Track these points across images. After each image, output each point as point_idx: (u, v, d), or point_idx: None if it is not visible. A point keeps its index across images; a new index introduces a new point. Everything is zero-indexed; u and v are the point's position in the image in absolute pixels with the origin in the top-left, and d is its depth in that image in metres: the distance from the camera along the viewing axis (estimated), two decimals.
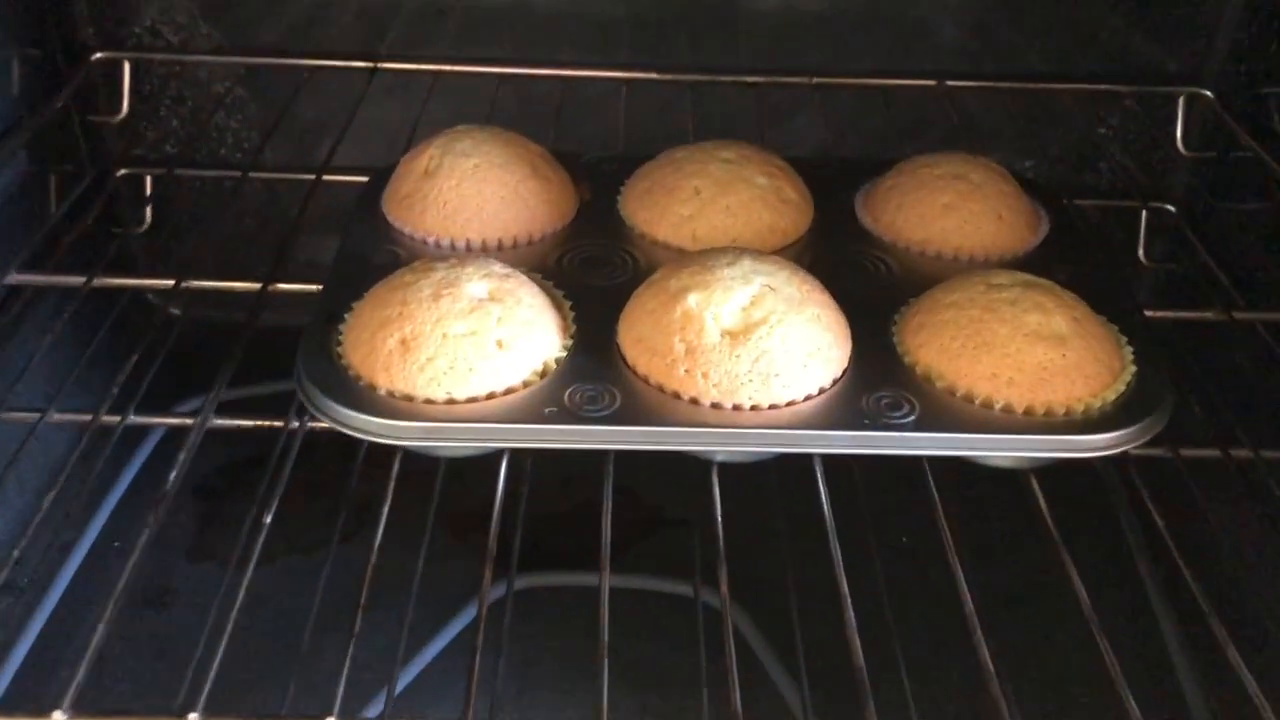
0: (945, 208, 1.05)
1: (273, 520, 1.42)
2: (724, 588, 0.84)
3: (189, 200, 1.54)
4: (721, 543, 0.86)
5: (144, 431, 1.44)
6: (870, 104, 1.44)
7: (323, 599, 1.09)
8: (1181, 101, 1.37)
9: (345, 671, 0.82)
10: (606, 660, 0.78)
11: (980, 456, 0.87)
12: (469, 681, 0.79)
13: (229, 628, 0.85)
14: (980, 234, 1.04)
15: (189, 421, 1.03)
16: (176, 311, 1.47)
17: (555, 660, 1.24)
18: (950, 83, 1.40)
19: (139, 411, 1.12)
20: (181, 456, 0.95)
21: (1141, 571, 1.22)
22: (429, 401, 0.85)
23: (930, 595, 1.00)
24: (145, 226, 1.48)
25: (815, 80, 1.39)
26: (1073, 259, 1.04)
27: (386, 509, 0.92)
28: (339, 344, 0.90)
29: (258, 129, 1.48)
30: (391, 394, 0.85)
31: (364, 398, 0.85)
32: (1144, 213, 1.41)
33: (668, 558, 1.34)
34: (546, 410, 0.84)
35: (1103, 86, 1.41)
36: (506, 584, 1.19)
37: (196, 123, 1.47)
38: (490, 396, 0.85)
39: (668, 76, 1.39)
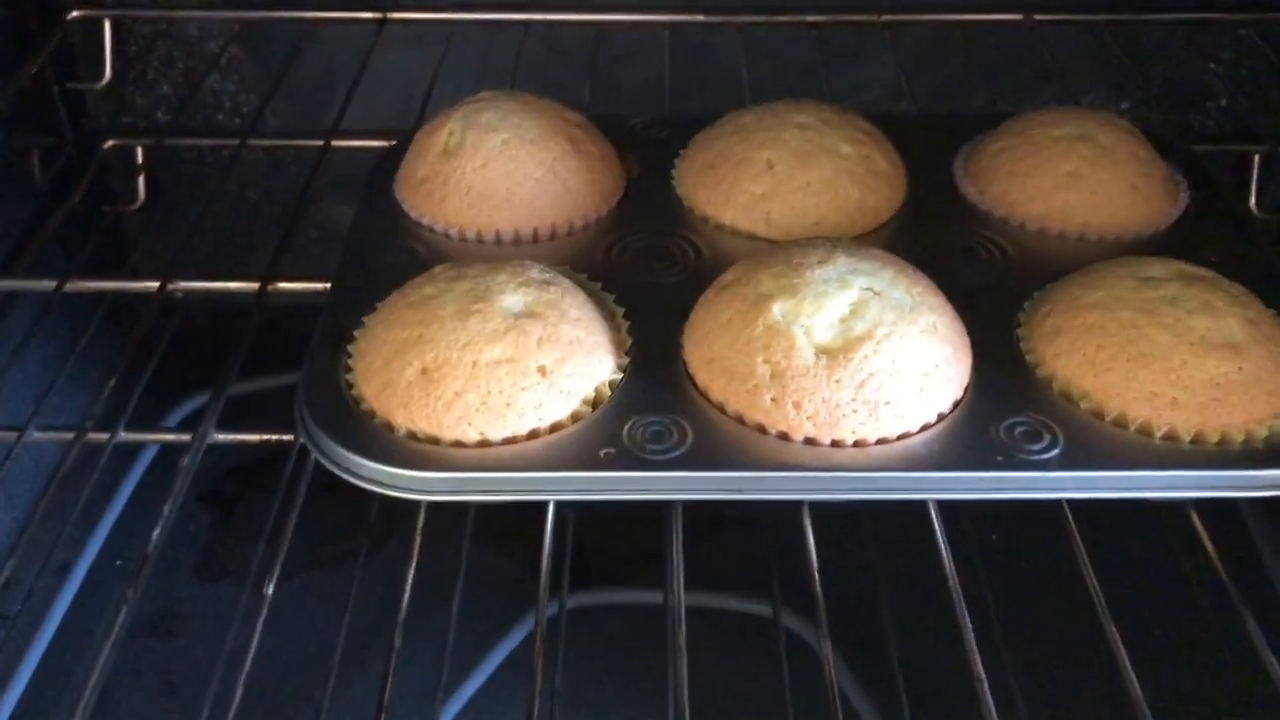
0: (1069, 177, 0.88)
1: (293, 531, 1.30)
2: (827, 650, 0.68)
3: (186, 172, 1.44)
4: (820, 594, 0.70)
5: None
6: (946, 43, 1.29)
7: (349, 622, 0.98)
8: None
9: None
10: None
11: (1143, 498, 0.70)
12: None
13: (248, 661, 0.73)
14: (1112, 208, 0.87)
15: (185, 438, 0.89)
16: (178, 294, 1.36)
17: (610, 686, 1.12)
18: (1038, 16, 1.24)
19: (134, 421, 1.01)
20: (177, 484, 0.81)
21: None
22: (458, 444, 0.69)
23: (1072, 666, 0.85)
24: (139, 203, 1.35)
25: (885, 18, 1.25)
26: (1221, 235, 0.87)
27: (418, 538, 0.76)
28: (349, 370, 0.75)
29: (257, 92, 1.36)
30: (413, 435, 0.70)
31: (379, 442, 0.70)
32: (1257, 157, 1.24)
33: (733, 566, 1.20)
34: (603, 452, 0.69)
35: (1214, 15, 1.25)
36: (558, 604, 1.06)
37: (189, 86, 1.35)
38: (532, 435, 0.70)
39: (715, 18, 1.25)
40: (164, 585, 1.23)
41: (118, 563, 1.24)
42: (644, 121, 1.01)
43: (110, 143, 1.28)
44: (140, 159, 1.32)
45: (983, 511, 1.12)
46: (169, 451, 1.32)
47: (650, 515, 0.75)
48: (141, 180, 1.34)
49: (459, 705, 1.08)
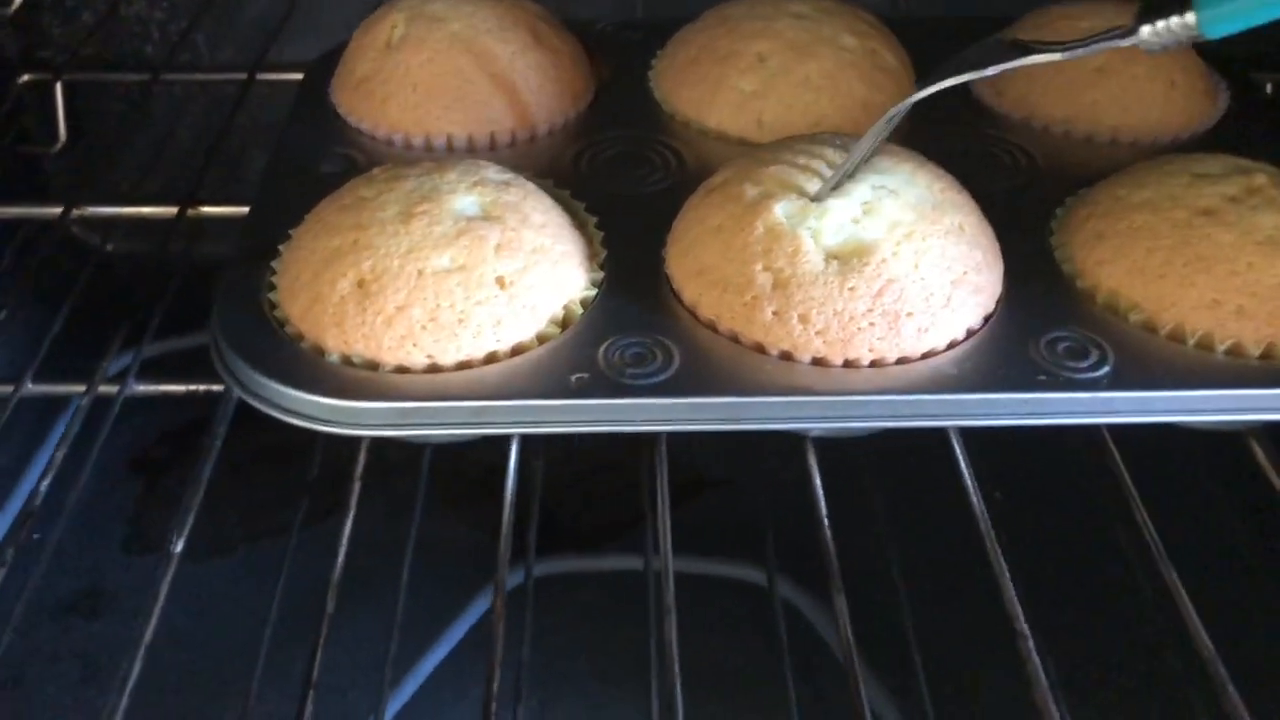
0: (1098, 73, 0.78)
1: (230, 501, 1.18)
2: (843, 605, 0.57)
3: (112, 110, 1.31)
4: (830, 545, 0.60)
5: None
6: None
7: (290, 598, 0.91)
8: None
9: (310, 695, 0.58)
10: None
11: (1211, 423, 0.61)
12: (487, 697, 0.55)
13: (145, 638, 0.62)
14: (1145, 107, 0.77)
15: (110, 390, 0.81)
16: (110, 248, 1.25)
17: (584, 659, 1.01)
18: None
19: (46, 373, 0.90)
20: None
21: None
22: (401, 369, 0.59)
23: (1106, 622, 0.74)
24: (60, 144, 1.23)
25: None
26: (1271, 138, 0.77)
27: (357, 484, 0.66)
28: (272, 288, 0.64)
29: (189, 19, 1.22)
30: (348, 360, 0.59)
31: (307, 368, 0.59)
32: None
33: (715, 529, 1.10)
34: (574, 378, 0.58)
35: None
36: (524, 571, 0.96)
37: (113, 15, 1.21)
38: (490, 359, 0.59)
39: None
40: (88, 560, 1.11)
41: (36, 536, 1.12)
42: (613, 24, 0.90)
43: (26, 78, 1.18)
44: (60, 96, 1.21)
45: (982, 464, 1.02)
46: (99, 408, 1.21)
47: (624, 482, 0.65)
48: (62, 119, 1.22)
49: (418, 681, 0.97)
